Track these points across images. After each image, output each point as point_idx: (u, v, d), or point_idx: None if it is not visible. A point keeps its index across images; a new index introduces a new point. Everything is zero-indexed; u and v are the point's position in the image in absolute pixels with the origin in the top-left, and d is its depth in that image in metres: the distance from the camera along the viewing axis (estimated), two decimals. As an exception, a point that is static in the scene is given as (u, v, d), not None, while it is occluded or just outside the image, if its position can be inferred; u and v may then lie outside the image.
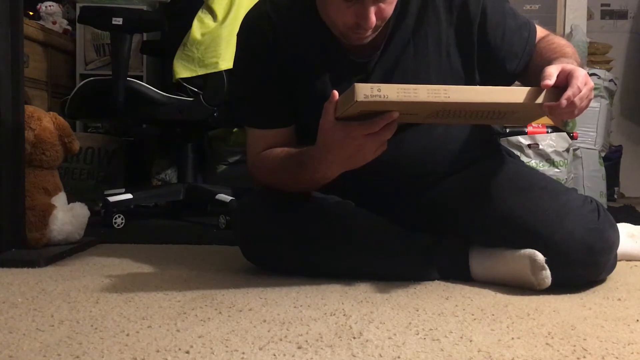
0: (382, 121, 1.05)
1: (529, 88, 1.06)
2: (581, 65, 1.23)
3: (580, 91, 1.05)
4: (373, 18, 1.15)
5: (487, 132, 1.47)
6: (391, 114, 1.04)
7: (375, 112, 1.05)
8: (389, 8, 1.19)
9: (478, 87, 1.08)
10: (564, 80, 1.07)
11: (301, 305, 1.09)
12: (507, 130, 2.66)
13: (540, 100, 1.05)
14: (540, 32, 1.34)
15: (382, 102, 1.00)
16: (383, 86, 0.99)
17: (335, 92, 1.08)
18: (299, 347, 0.85)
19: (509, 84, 1.30)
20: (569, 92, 1.04)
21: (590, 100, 1.10)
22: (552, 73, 1.07)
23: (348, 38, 1.22)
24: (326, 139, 1.12)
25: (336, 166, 1.16)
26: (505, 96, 1.06)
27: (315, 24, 1.27)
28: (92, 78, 2.31)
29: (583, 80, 1.06)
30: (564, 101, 1.04)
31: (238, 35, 1.36)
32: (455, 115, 1.10)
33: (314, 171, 1.19)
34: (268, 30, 1.30)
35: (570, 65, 1.09)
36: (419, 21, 1.27)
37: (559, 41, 1.30)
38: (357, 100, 0.99)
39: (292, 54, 1.29)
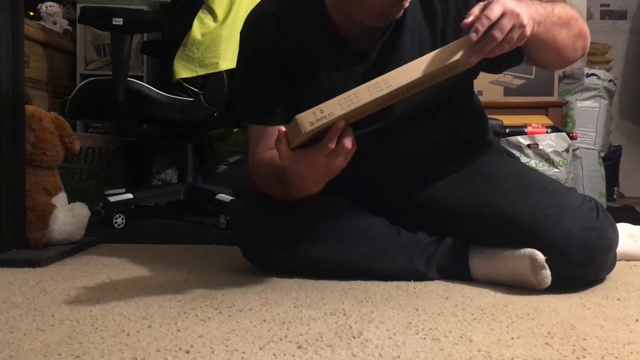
0: (332, 136, 1.05)
1: (458, 41, 1.05)
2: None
3: (491, 21, 1.02)
4: None
5: (486, 133, 1.47)
6: (337, 126, 1.04)
7: (326, 127, 1.04)
8: None
9: (413, 61, 1.06)
10: None
11: (301, 305, 1.09)
12: (507, 131, 2.67)
13: (464, 49, 1.04)
14: None
15: (329, 121, 1.00)
16: (324, 106, 1.00)
17: (282, 127, 1.07)
18: (299, 347, 0.86)
19: (512, 58, 1.25)
20: (476, 24, 1.02)
21: (523, 27, 1.05)
22: (473, 11, 1.05)
23: (386, 17, 1.21)
24: (293, 172, 1.13)
25: (315, 186, 1.17)
26: (440, 60, 1.04)
27: (318, 18, 1.27)
28: (92, 78, 2.31)
29: (497, 10, 1.03)
30: (472, 34, 1.02)
31: (241, 33, 1.36)
32: (404, 93, 1.09)
33: (298, 191, 1.21)
34: (271, 27, 1.30)
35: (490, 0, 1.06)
36: (415, 10, 1.27)
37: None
38: (305, 132, 0.99)
39: (295, 49, 1.30)
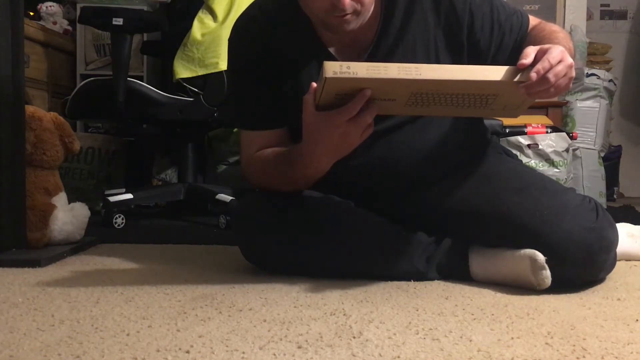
0: (357, 102, 1.06)
1: (506, 67, 1.05)
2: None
3: (551, 66, 1.03)
4: None
5: (484, 132, 1.47)
6: (363, 93, 1.05)
7: (351, 95, 1.05)
8: None
9: (452, 65, 1.05)
10: None
11: (301, 305, 1.09)
12: (507, 131, 2.67)
13: (516, 79, 1.04)
14: (532, 20, 1.32)
15: (352, 79, 1.01)
16: (352, 64, 1.01)
17: (314, 83, 1.08)
18: (299, 347, 0.86)
19: None
20: (538, 66, 1.03)
21: (570, 78, 1.07)
22: (529, 53, 1.06)
23: (331, 27, 1.20)
24: (311, 132, 1.13)
25: (325, 158, 1.17)
26: (480, 74, 1.05)
27: (303, 26, 1.28)
28: (92, 78, 2.31)
29: (557, 56, 1.04)
30: (533, 74, 1.02)
31: (229, 40, 1.37)
32: (436, 102, 1.09)
33: (305, 167, 1.20)
34: (257, 34, 1.31)
35: (548, 45, 1.07)
36: (405, 24, 1.27)
37: (550, 28, 1.28)
38: (326, 77, 1.00)
39: (281, 57, 1.30)
